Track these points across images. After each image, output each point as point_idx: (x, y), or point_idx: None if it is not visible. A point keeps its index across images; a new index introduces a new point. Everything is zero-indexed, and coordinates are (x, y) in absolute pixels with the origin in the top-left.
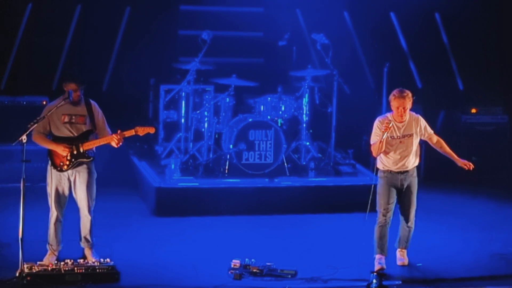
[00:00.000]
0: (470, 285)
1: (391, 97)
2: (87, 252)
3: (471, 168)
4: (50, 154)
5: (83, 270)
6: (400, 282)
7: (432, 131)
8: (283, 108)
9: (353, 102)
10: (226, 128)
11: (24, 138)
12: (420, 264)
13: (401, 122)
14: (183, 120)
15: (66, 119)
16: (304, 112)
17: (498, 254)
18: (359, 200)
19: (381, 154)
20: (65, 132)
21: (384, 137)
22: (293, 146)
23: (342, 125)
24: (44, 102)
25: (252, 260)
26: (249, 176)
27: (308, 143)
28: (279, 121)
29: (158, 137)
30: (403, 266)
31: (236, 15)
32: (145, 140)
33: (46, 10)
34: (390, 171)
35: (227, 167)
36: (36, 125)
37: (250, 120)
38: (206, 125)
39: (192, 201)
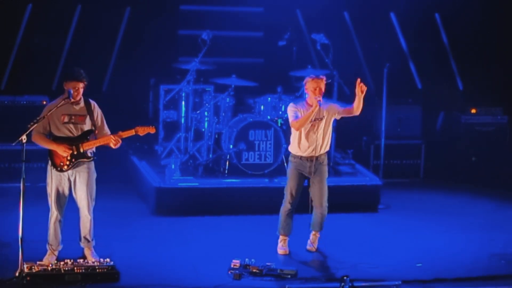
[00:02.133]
0: (470, 285)
1: (307, 79)
2: (87, 252)
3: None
4: (50, 154)
5: (83, 270)
6: (400, 282)
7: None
8: (283, 108)
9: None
10: (226, 128)
11: (24, 138)
12: (420, 264)
13: (312, 106)
14: (183, 120)
15: (66, 119)
16: None
17: (498, 254)
18: (358, 200)
19: (297, 139)
20: (65, 132)
21: (316, 105)
22: None
23: (341, 126)
24: (44, 102)
25: (252, 260)
26: (249, 176)
27: None
28: (279, 121)
29: (158, 137)
30: (311, 252)
31: (236, 15)
32: (145, 140)
33: (46, 10)
34: (300, 157)
35: (227, 167)
36: (36, 125)
37: (250, 120)
38: (206, 125)
39: (192, 201)
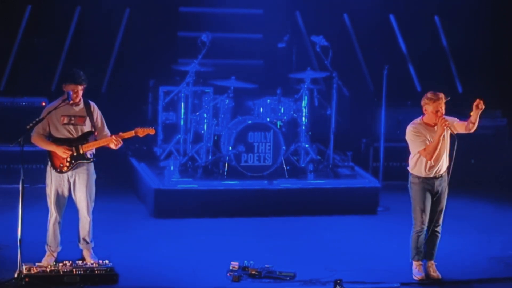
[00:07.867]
0: None
1: (425, 100)
2: (86, 253)
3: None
4: (50, 155)
5: (82, 272)
6: (399, 285)
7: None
8: (282, 110)
9: (352, 104)
10: (225, 130)
11: (22, 139)
12: None
13: (435, 125)
14: (182, 122)
15: (66, 120)
16: (303, 114)
17: (497, 257)
18: (357, 202)
19: (423, 161)
20: (65, 133)
21: (443, 129)
22: (292, 148)
23: (341, 128)
24: (43, 104)
25: (251, 262)
26: (248, 178)
27: (307, 145)
28: (278, 123)
29: (157, 138)
30: None
31: (235, 17)
32: (144, 141)
33: (46, 11)
34: (426, 178)
35: (226, 169)
36: (35, 126)
37: (249, 122)
38: (205, 127)
39: (191, 203)
